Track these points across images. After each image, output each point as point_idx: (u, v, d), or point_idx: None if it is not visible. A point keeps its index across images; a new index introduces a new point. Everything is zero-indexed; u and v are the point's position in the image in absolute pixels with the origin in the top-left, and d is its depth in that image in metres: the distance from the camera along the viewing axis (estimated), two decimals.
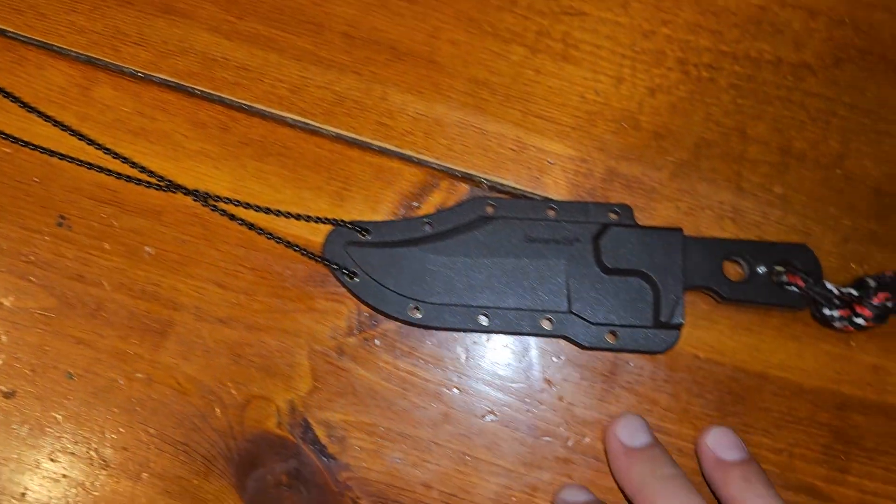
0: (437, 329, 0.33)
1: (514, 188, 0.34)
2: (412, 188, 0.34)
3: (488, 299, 0.32)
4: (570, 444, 0.32)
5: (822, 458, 0.32)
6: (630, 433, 0.31)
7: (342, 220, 0.33)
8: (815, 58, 0.35)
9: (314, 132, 0.35)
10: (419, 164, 0.35)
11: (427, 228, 0.33)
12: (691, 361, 0.33)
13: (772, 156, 0.34)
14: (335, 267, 0.33)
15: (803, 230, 0.34)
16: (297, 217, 0.34)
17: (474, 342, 0.33)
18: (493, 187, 0.34)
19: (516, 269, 0.32)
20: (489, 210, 0.33)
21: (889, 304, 0.31)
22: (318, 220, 0.33)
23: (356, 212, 0.34)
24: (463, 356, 0.33)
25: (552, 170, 0.34)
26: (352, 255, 0.33)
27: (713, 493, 0.30)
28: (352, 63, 0.35)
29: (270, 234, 0.34)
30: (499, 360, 0.33)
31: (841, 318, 0.31)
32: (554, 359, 0.33)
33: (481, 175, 0.34)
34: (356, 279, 0.33)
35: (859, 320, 0.31)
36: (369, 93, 0.35)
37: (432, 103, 0.35)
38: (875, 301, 0.31)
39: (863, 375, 0.33)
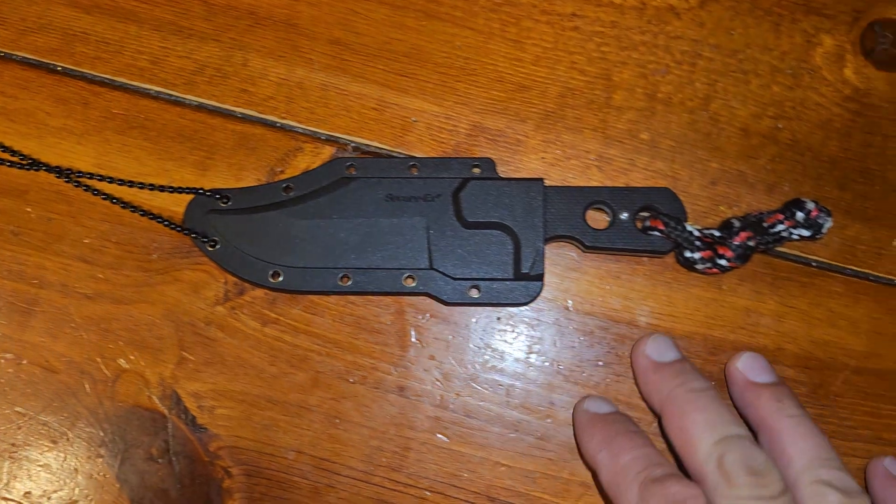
0: (298, 293, 0.32)
1: (378, 148, 0.34)
2: (276, 154, 0.34)
3: (350, 260, 0.32)
4: (441, 402, 0.32)
5: None
6: (659, 350, 0.30)
7: (202, 189, 0.33)
8: (679, 0, 0.34)
9: (176, 103, 0.34)
10: (282, 129, 0.34)
11: (288, 193, 0.33)
12: (561, 313, 0.33)
13: (638, 102, 0.34)
14: (194, 236, 0.32)
15: (671, 175, 0.33)
16: (159, 188, 0.33)
17: (343, 305, 0.33)
18: (358, 148, 0.34)
19: (377, 228, 0.32)
20: (350, 171, 0.33)
21: (751, 244, 0.30)
22: (179, 189, 0.33)
23: (220, 180, 0.34)
24: (331, 320, 0.33)
25: (416, 127, 0.34)
26: (213, 223, 0.33)
27: (743, 416, 0.30)
28: (212, 31, 0.35)
29: (134, 206, 0.33)
30: (368, 321, 0.33)
31: (703, 260, 0.31)
32: (422, 318, 0.33)
33: (345, 137, 0.34)
34: (217, 247, 0.32)
35: (722, 261, 0.31)
36: (230, 60, 0.34)
37: (294, 67, 0.34)
38: (736, 241, 0.31)
39: (735, 319, 0.32)
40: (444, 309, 0.33)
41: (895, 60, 0.33)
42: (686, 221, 0.31)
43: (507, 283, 0.31)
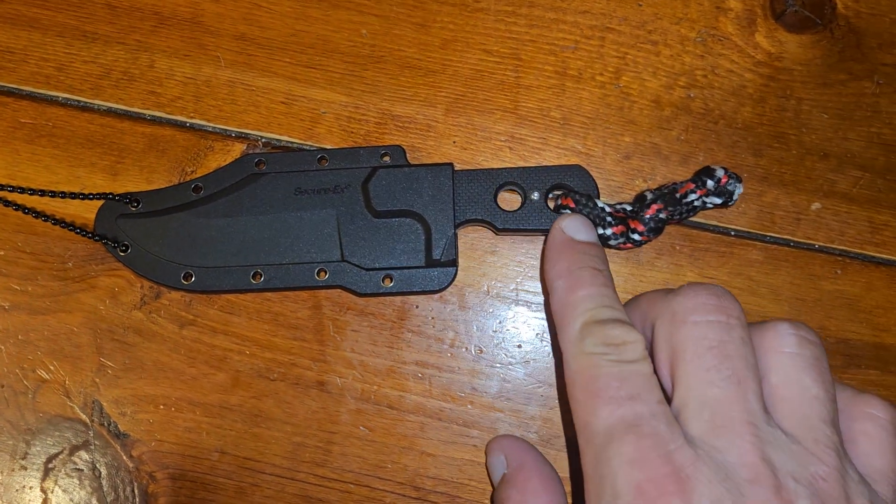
0: (211, 293, 0.32)
1: (289, 142, 0.33)
2: (187, 154, 0.33)
3: (262, 257, 0.32)
4: (362, 395, 0.32)
5: None
6: (575, 227, 0.29)
7: (111, 193, 0.33)
8: None
9: (84, 108, 0.34)
10: (192, 128, 0.34)
11: (198, 192, 0.32)
12: (481, 298, 0.32)
13: (548, 80, 0.33)
14: (105, 242, 0.32)
15: (584, 151, 0.33)
16: (70, 196, 0.33)
17: (260, 303, 0.32)
18: (269, 143, 0.33)
19: (287, 223, 0.32)
20: (259, 167, 0.32)
21: (662, 216, 0.30)
22: (88, 196, 0.33)
23: (132, 184, 0.33)
24: (248, 318, 0.32)
25: (325, 119, 0.33)
26: (123, 227, 0.32)
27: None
28: (117, 33, 0.34)
29: (46, 215, 0.33)
30: (286, 317, 0.32)
31: (615, 236, 0.30)
32: (340, 312, 0.32)
33: (255, 133, 0.33)
34: (128, 252, 0.32)
35: (635, 236, 0.30)
36: (136, 62, 0.34)
37: (200, 65, 0.34)
38: (647, 214, 0.30)
39: None
40: (361, 301, 0.32)
41: (805, 22, 0.33)
42: (598, 198, 0.31)
43: (420, 270, 0.31)
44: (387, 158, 0.32)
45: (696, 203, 0.30)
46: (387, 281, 0.31)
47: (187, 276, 0.32)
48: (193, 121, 0.34)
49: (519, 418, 0.31)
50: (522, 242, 0.32)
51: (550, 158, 0.33)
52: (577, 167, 0.31)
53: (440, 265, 0.31)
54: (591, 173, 0.32)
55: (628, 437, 0.23)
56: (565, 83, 0.33)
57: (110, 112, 0.34)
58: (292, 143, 0.33)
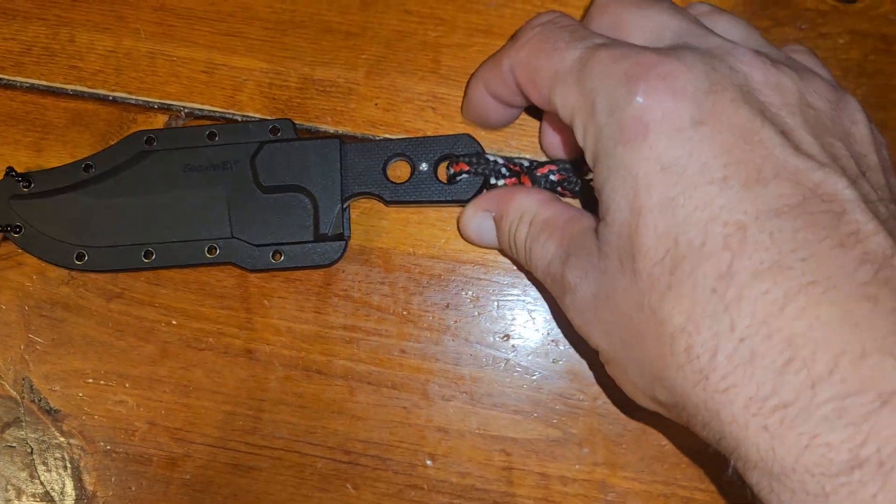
0: (103, 272, 0.32)
1: (211, 111, 0.33)
2: (110, 128, 0.33)
3: (153, 235, 0.31)
4: (290, 361, 0.32)
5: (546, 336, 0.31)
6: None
7: (10, 168, 0.32)
8: None
9: (6, 86, 0.34)
10: (115, 102, 0.33)
11: (89, 172, 0.32)
12: (407, 259, 0.32)
13: (470, 38, 0.33)
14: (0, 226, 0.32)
15: None
16: None
17: (187, 273, 0.32)
18: (192, 114, 0.33)
19: (177, 200, 0.31)
20: (150, 144, 0.32)
21: (553, 178, 0.29)
22: None
23: (56, 160, 0.33)
24: (175, 289, 0.32)
25: (246, 86, 0.33)
26: (16, 208, 0.32)
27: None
28: (36, 9, 0.34)
29: None
30: (212, 287, 0.32)
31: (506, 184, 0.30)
32: (267, 279, 0.32)
33: (177, 103, 0.33)
34: (21, 233, 0.32)
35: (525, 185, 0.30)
36: (56, 37, 0.34)
37: (120, 38, 0.34)
38: (539, 172, 0.30)
39: None
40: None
41: None
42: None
43: (309, 245, 0.31)
44: (276, 134, 0.32)
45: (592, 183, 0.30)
46: (277, 256, 0.31)
47: (80, 257, 0.31)
48: (115, 94, 0.33)
49: (448, 378, 0.31)
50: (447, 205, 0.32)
51: None
52: (466, 136, 0.31)
53: (328, 239, 0.31)
54: (515, 129, 0.32)
55: (601, 50, 0.23)
56: (489, 41, 0.32)
57: (32, 88, 0.34)
58: (214, 112, 0.33)
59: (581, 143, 0.24)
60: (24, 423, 0.32)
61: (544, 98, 0.25)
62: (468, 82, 0.30)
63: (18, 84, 0.34)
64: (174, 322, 0.32)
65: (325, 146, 0.31)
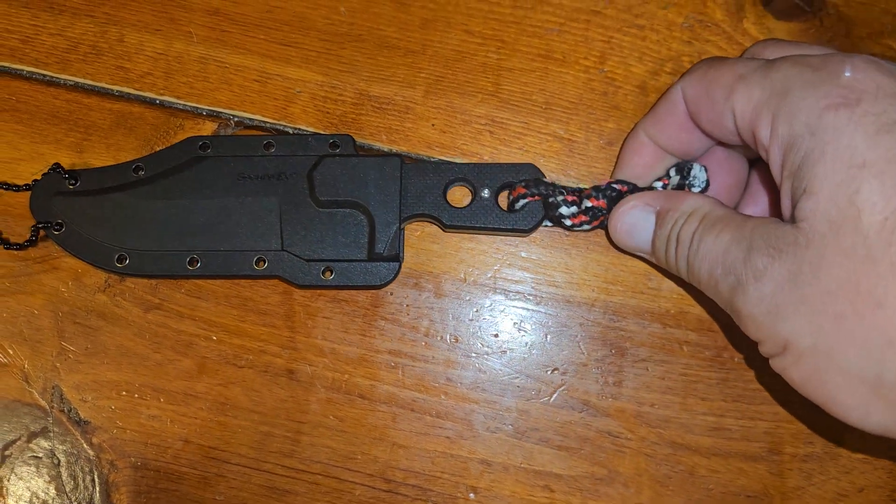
0: (145, 277, 0.31)
1: (262, 122, 0.32)
2: (156, 132, 0.32)
3: (200, 243, 0.30)
4: (333, 384, 0.31)
5: (597, 372, 0.30)
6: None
7: (57, 164, 0.31)
8: None
9: (50, 83, 0.33)
10: (161, 106, 0.32)
11: (138, 173, 0.31)
12: (458, 286, 0.31)
13: (531, 62, 0.32)
14: (39, 225, 0.30)
15: (567, 137, 0.32)
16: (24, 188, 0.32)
17: (229, 287, 0.31)
18: (241, 123, 0.32)
19: (228, 209, 0.30)
20: (204, 149, 0.31)
21: (616, 187, 0.29)
22: (15, 188, 0.31)
23: (98, 162, 0.32)
24: (216, 303, 0.31)
25: (300, 98, 0.32)
26: (59, 205, 0.31)
27: None
28: (85, 5, 0.33)
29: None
30: (255, 303, 0.31)
31: (568, 203, 0.29)
32: (312, 298, 0.31)
33: (227, 111, 0.32)
34: (62, 231, 0.31)
35: (587, 202, 0.29)
36: (105, 36, 0.33)
37: (171, 40, 0.33)
38: (602, 184, 0.29)
39: (635, 283, 0.31)
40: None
41: (794, 10, 0.32)
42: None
43: (362, 264, 0.30)
44: (335, 149, 0.31)
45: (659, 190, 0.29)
46: (327, 273, 0.30)
47: (121, 259, 0.30)
48: (163, 98, 0.32)
49: (494, 409, 0.30)
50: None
51: (532, 143, 0.32)
52: (530, 166, 0.30)
53: (383, 259, 0.30)
54: (574, 159, 0.31)
55: (781, 58, 0.24)
56: (549, 66, 0.32)
57: (77, 87, 0.33)
58: (265, 122, 0.32)
59: (768, 133, 0.23)
60: (51, 434, 0.31)
61: (718, 110, 0.25)
62: (623, 142, 0.30)
63: (62, 82, 0.33)
64: (214, 337, 0.31)
65: (386, 164, 0.30)
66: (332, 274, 0.30)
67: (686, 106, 0.27)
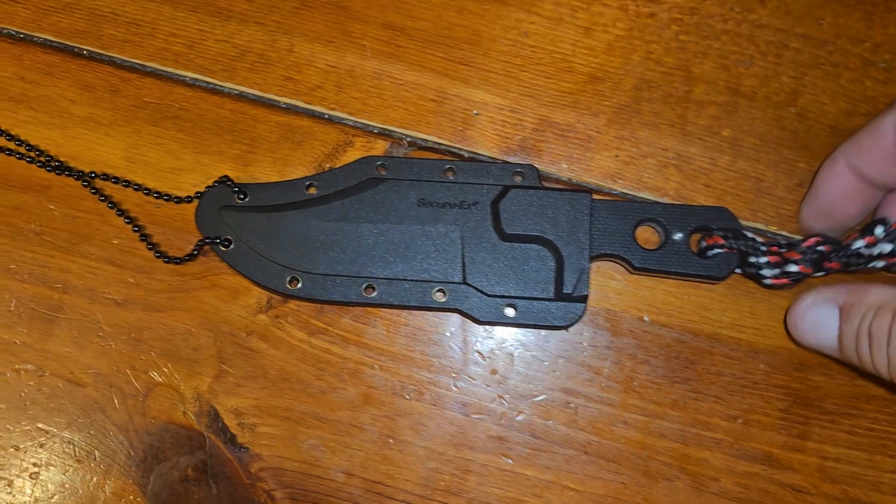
0: (317, 302, 0.30)
1: (436, 143, 0.31)
2: (325, 148, 0.31)
3: (376, 269, 0.29)
4: (504, 421, 0.29)
5: (780, 423, 0.29)
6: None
7: (226, 177, 0.30)
8: None
9: (214, 91, 0.31)
10: (331, 121, 0.31)
11: (311, 191, 0.30)
12: (636, 325, 0.30)
13: (719, 96, 0.31)
14: (207, 240, 0.29)
15: (755, 176, 0.30)
16: (182, 200, 0.30)
17: (398, 315, 0.30)
18: (414, 143, 0.31)
19: (407, 235, 0.29)
20: (380, 170, 0.30)
21: (821, 249, 0.28)
22: (183, 200, 0.30)
23: (263, 177, 0.31)
24: (384, 330, 0.30)
25: (478, 121, 0.31)
26: (227, 219, 0.30)
27: None
28: (254, 12, 0.32)
29: (128, 218, 0.30)
30: (425, 332, 0.30)
31: (770, 265, 0.28)
32: (484, 330, 0.30)
33: (400, 130, 0.31)
34: (231, 247, 0.29)
35: (791, 266, 0.28)
36: (274, 45, 0.32)
37: (344, 53, 0.31)
38: (805, 244, 0.28)
39: None
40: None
41: None
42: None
43: (547, 303, 0.29)
44: (518, 177, 0.30)
45: (861, 250, 0.28)
46: (509, 310, 0.29)
47: (294, 281, 0.29)
48: (333, 112, 0.31)
49: (671, 457, 0.29)
50: None
51: (718, 180, 0.30)
52: (723, 210, 0.29)
53: (569, 299, 0.28)
54: (762, 199, 0.30)
55: None
56: (738, 101, 0.31)
57: (242, 97, 0.31)
58: (440, 144, 0.31)
59: None
60: (206, 459, 0.29)
61: None
62: (819, 168, 0.29)
63: (227, 90, 0.31)
64: (381, 366, 0.30)
65: (576, 199, 0.29)
66: (514, 311, 0.29)
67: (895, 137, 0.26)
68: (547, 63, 0.31)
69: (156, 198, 0.30)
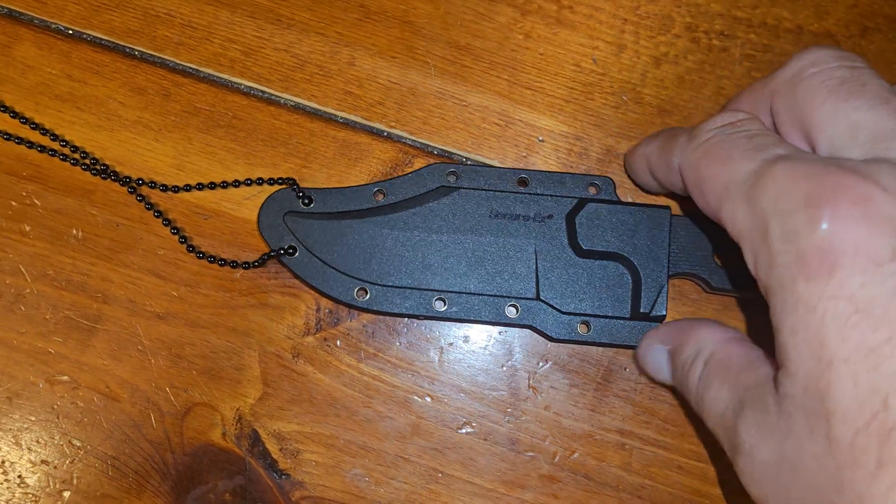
0: (385, 314, 0.29)
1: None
2: (382, 166, 0.30)
3: (446, 282, 0.28)
4: (556, 460, 0.29)
5: None
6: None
7: (292, 179, 0.29)
8: (838, 26, 0.31)
9: (270, 101, 0.30)
10: (390, 138, 0.30)
11: (379, 198, 0.29)
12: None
13: None
14: (274, 250, 0.28)
15: None
16: (241, 183, 0.29)
17: (450, 343, 0.29)
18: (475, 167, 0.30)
19: (479, 247, 0.28)
20: (451, 178, 0.29)
21: None
22: (260, 181, 0.29)
23: None
24: (436, 359, 0.29)
25: (542, 148, 0.30)
26: (291, 226, 0.29)
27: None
28: (316, 22, 0.31)
29: (175, 228, 0.29)
30: (477, 363, 0.29)
31: None
32: (540, 363, 0.29)
33: (461, 153, 0.30)
34: (296, 255, 0.28)
35: None
36: (335, 57, 0.31)
37: (407, 70, 0.30)
38: None
39: None
40: (563, 355, 0.29)
41: None
42: None
43: (623, 322, 0.28)
44: (594, 190, 0.29)
45: None
46: (583, 328, 0.28)
47: (362, 292, 0.28)
48: (393, 130, 0.30)
49: None
50: (753, 303, 0.29)
51: None
52: None
53: (646, 319, 0.28)
54: None
55: (778, 165, 0.20)
56: None
57: (298, 108, 0.30)
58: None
59: (752, 271, 0.21)
60: (245, 485, 0.28)
61: (712, 210, 0.23)
62: (633, 148, 0.28)
63: (284, 101, 0.30)
64: (431, 396, 0.29)
65: (655, 215, 0.28)
66: (588, 329, 0.28)
67: (682, 181, 0.25)
68: (615, 93, 0.30)
69: (223, 188, 0.29)
